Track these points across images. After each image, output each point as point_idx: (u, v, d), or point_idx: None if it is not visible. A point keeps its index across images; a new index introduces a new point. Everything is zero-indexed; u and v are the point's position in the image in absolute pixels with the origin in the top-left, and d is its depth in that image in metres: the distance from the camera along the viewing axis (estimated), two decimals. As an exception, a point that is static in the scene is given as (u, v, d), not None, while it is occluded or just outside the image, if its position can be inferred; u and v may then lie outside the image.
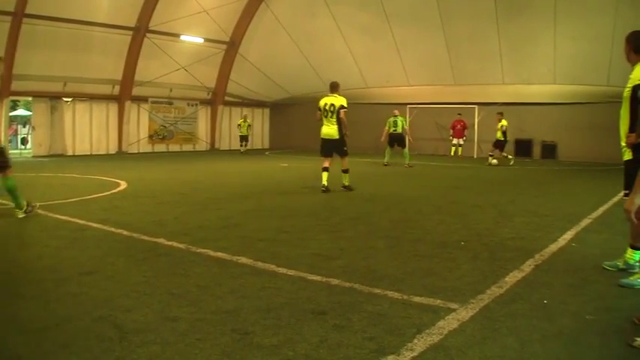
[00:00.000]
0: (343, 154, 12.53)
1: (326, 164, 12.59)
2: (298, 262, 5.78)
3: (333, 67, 28.28)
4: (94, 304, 4.50)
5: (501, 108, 23.37)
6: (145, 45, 28.75)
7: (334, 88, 12.53)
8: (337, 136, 12.32)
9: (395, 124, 20.55)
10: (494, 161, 21.63)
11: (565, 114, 25.63)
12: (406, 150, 20.85)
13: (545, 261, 5.98)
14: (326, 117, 12.36)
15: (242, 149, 29.29)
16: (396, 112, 21.21)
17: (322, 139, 12.58)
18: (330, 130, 12.39)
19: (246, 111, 34.13)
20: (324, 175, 12.44)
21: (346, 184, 12.72)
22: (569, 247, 6.74)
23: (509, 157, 22.13)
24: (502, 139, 21.66)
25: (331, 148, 12.53)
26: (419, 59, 27.52)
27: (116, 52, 28.34)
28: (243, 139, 29.58)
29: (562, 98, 25.08)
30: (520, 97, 25.91)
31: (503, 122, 21.47)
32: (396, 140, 20.54)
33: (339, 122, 12.23)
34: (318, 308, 4.35)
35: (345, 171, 12.68)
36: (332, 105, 12.24)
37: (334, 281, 5.07)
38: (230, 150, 32.73)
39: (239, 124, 30.17)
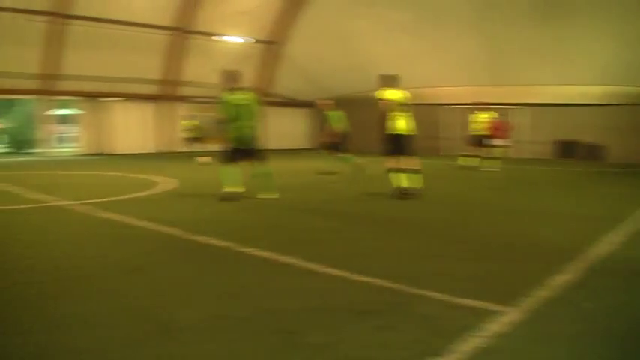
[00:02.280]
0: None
1: (399, 164, 11.03)
2: (344, 261, 5.77)
3: (374, 68, 28.19)
4: (142, 301, 4.57)
5: (540, 108, 22.99)
6: (187, 44, 29.03)
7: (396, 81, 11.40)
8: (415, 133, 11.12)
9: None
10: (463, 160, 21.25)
11: (611, 115, 25.17)
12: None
13: (593, 263, 5.89)
14: (403, 110, 11.08)
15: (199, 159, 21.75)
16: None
17: (397, 135, 10.95)
18: (410, 125, 11.07)
19: (288, 111, 34.15)
20: (403, 176, 10.98)
21: (411, 186, 11.03)
22: (618, 250, 6.63)
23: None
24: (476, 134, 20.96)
25: (406, 145, 11.01)
26: (458, 59, 27.31)
27: (159, 51, 28.68)
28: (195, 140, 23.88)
29: (608, 99, 24.66)
30: (562, 98, 25.58)
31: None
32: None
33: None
34: (362, 308, 4.34)
35: (416, 171, 11.22)
36: (407, 98, 11.15)
37: (379, 281, 5.05)
38: (278, 150, 32.85)
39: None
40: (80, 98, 28.69)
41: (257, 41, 31.45)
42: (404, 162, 11.01)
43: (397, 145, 10.96)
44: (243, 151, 10.54)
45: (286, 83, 33.06)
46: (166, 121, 29.99)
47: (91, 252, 6.48)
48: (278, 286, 4.98)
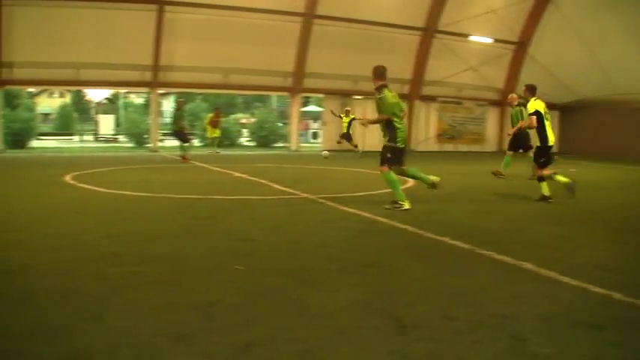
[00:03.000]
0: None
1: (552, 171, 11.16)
2: (580, 271, 5.54)
3: (623, 70, 26.56)
4: (375, 295, 4.71)
5: None
6: (434, 45, 29.13)
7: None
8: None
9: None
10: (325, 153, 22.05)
11: None
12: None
13: None
14: (548, 121, 11.25)
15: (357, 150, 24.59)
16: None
17: (550, 146, 11.17)
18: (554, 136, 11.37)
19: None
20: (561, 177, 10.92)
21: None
22: None
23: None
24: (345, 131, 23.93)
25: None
26: None
27: (405, 51, 29.03)
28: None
29: None
30: None
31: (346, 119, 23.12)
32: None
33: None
34: (596, 322, 4.15)
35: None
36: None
37: (615, 295, 4.78)
38: (518, 153, 32.04)
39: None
40: (326, 96, 29.84)
41: (502, 41, 30.83)
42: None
43: (550, 155, 11.24)
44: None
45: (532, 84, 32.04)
46: (414, 119, 30.28)
47: (331, 243, 6.79)
48: (512, 291, 4.90)
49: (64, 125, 44.75)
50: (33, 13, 23.07)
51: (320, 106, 36.32)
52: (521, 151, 15.70)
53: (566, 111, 33.88)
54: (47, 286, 4.78)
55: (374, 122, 10.97)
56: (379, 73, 10.22)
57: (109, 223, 7.95)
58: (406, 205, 9.37)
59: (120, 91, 46.76)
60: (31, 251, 6.04)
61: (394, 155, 9.83)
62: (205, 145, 29.07)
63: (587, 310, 4.46)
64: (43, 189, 11.64)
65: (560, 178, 10.89)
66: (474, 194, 12.05)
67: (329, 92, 29.27)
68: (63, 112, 47.71)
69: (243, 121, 43.29)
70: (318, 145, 33.09)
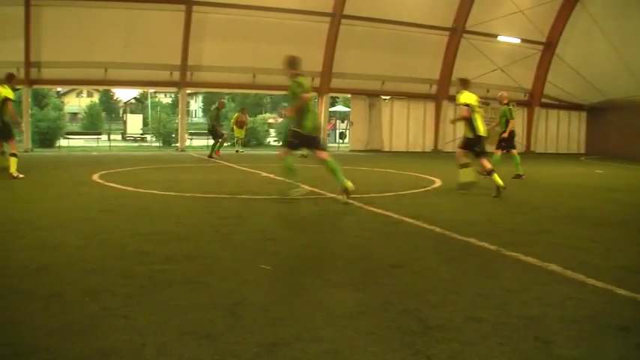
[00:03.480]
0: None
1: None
2: (606, 273, 5.49)
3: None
4: (401, 296, 4.70)
5: None
6: (462, 45, 29.04)
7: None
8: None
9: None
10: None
11: None
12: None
13: None
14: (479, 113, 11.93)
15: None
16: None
17: (480, 136, 11.74)
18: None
19: (561, 115, 33.04)
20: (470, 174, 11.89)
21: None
22: None
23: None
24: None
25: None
26: None
27: (433, 52, 29.01)
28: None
29: None
30: None
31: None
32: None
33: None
34: (622, 324, 4.11)
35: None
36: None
37: (647, 300, 4.76)
38: (544, 153, 31.94)
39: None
40: (354, 96, 29.88)
41: (530, 42, 30.68)
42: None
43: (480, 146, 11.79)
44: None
45: (562, 85, 31.86)
46: (440, 120, 30.24)
47: (358, 243, 6.81)
48: (538, 293, 4.87)
49: (92, 125, 45.22)
50: (61, 13, 23.42)
51: (347, 106, 36.35)
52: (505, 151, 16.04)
53: (594, 112, 33.66)
54: (75, 284, 4.84)
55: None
56: (293, 62, 10.21)
57: (136, 221, 8.04)
58: (301, 191, 10.31)
59: (148, 90, 47.15)
60: (59, 249, 6.12)
61: (298, 140, 10.11)
62: (232, 145, 29.22)
63: (613, 312, 4.42)
64: (71, 188, 11.78)
65: (467, 174, 11.84)
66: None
67: (356, 92, 29.30)
68: (91, 111, 48.21)
69: (271, 121, 43.45)
70: (346, 145, 33.14)
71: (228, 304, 4.36)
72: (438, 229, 7.66)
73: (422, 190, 12.41)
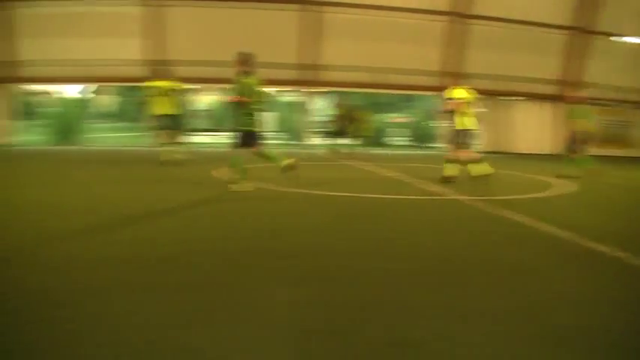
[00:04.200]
0: None
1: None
2: None
3: None
4: (530, 302, 4.60)
5: None
6: (587, 45, 28.24)
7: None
8: None
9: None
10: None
11: None
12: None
13: None
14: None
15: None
16: None
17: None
18: None
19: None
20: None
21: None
22: None
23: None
24: None
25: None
26: None
27: (555, 51, 28.35)
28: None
29: None
30: None
31: None
32: None
33: None
34: None
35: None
36: None
37: None
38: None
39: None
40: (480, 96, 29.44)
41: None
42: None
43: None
44: None
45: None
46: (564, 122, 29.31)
47: (478, 244, 6.76)
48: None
49: (217, 121, 46.36)
50: (187, 12, 24.47)
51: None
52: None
53: None
54: (212, 275, 5.10)
55: None
56: (245, 60, 10.85)
57: (260, 218, 8.30)
58: (245, 187, 10.66)
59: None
60: (196, 242, 6.43)
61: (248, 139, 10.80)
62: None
63: None
64: (194, 185, 12.11)
65: (480, 168, 12.51)
66: (628, 198, 11.51)
67: (486, 92, 28.89)
68: (216, 108, 49.54)
69: (396, 120, 43.45)
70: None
71: (355, 302, 4.43)
72: (567, 234, 7.31)
73: (547, 193, 11.92)
